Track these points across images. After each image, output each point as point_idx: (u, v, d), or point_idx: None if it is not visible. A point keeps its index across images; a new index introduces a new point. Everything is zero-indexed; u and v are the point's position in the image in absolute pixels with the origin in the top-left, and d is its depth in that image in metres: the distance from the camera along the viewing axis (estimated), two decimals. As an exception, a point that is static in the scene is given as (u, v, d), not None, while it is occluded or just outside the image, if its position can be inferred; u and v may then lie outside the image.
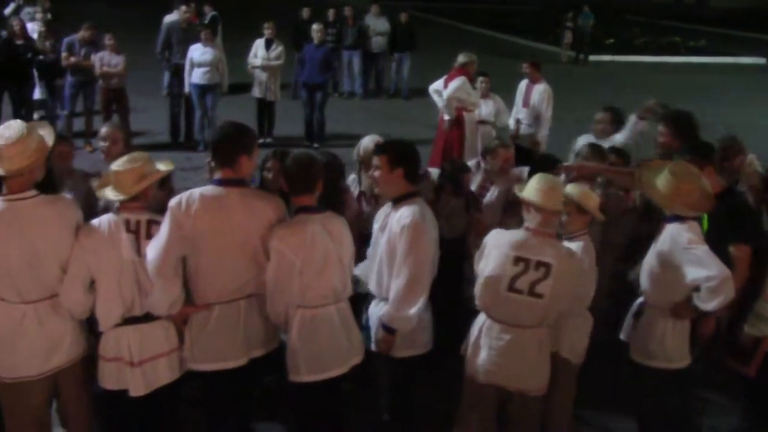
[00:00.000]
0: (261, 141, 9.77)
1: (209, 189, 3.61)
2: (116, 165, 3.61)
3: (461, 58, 8.94)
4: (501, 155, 5.60)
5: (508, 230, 3.94)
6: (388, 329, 3.88)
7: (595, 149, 5.28)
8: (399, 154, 3.90)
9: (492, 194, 5.58)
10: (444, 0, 37.77)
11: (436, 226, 3.97)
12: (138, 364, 3.59)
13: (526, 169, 5.47)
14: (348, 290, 3.85)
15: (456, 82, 8.67)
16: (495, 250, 3.82)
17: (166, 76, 11.20)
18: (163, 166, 3.76)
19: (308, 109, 11.53)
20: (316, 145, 11.03)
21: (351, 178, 5.26)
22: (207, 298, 3.65)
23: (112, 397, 3.68)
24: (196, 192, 3.59)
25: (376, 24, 15.00)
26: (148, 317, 3.61)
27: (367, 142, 5.14)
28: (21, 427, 3.66)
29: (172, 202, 3.53)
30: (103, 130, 4.97)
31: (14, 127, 3.47)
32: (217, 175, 3.64)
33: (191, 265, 3.62)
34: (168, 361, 3.68)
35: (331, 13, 14.44)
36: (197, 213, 3.50)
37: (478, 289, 3.90)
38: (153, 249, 3.51)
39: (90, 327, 3.77)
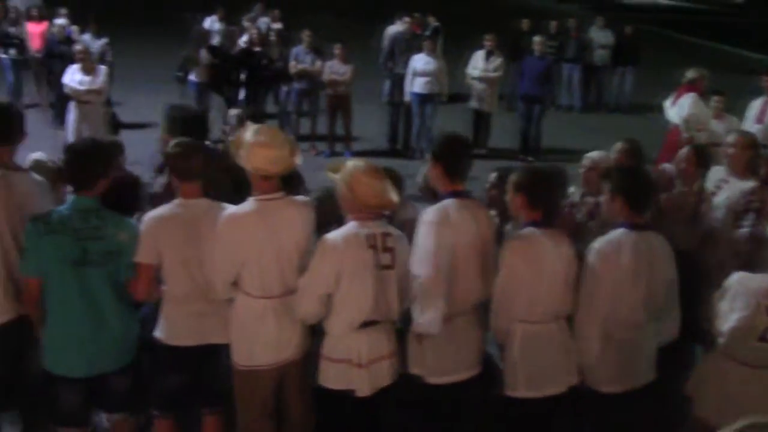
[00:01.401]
0: (475, 152, 9.76)
1: (448, 201, 3.71)
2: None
3: (690, 74, 8.44)
4: None
5: (754, 274, 3.62)
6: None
7: None
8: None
9: None
10: (670, 11, 35.90)
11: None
12: (365, 365, 3.68)
13: None
14: (568, 308, 3.74)
15: (688, 99, 8.15)
16: (742, 297, 3.51)
17: (387, 85, 11.53)
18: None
19: (525, 121, 11.39)
20: (530, 158, 10.87)
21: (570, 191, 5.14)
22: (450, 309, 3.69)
23: (332, 396, 3.76)
24: (449, 203, 3.68)
25: (600, 36, 14.53)
26: (375, 321, 3.68)
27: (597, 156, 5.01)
28: (251, 413, 3.87)
29: (431, 215, 3.63)
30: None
31: (275, 132, 3.72)
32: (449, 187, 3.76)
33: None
34: (390, 363, 3.76)
35: (553, 26, 14.19)
36: (455, 222, 3.60)
37: (723, 334, 3.61)
38: (422, 265, 3.60)
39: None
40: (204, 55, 10.96)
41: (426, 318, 3.60)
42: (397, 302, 3.71)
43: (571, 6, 35.65)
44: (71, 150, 3.80)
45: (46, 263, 3.59)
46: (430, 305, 3.58)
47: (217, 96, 10.98)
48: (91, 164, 3.65)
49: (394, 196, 3.65)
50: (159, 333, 3.90)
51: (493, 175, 4.83)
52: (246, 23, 13.34)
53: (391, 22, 13.49)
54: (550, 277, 3.62)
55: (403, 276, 3.67)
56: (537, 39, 11.49)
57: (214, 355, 3.89)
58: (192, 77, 11.19)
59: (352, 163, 3.69)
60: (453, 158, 3.78)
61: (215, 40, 12.85)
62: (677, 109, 8.32)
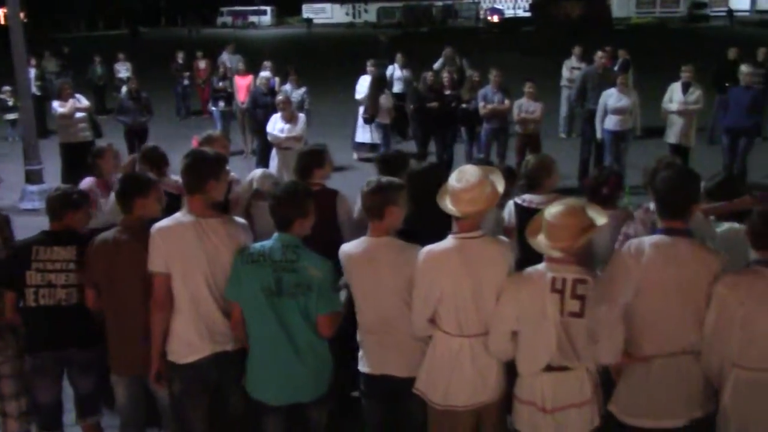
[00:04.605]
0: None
1: (655, 239, 3.52)
2: (552, 216, 3.57)
3: None
4: None
5: None
6: None
7: None
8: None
9: None
10: None
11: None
12: (550, 411, 3.57)
13: None
14: None
15: None
16: None
17: (577, 121, 11.34)
18: (598, 217, 3.64)
19: (729, 155, 10.65)
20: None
21: None
22: (646, 350, 3.52)
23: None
24: (646, 240, 3.52)
25: (812, 62, 13.39)
26: (565, 367, 3.56)
27: None
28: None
29: (624, 247, 3.51)
30: None
31: (472, 172, 3.71)
32: (663, 225, 3.55)
33: (632, 313, 3.53)
34: (579, 412, 3.58)
35: (761, 52, 13.26)
36: (648, 261, 3.43)
37: None
38: (600, 296, 3.47)
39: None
40: (385, 98, 11.41)
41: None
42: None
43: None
44: (273, 195, 4.03)
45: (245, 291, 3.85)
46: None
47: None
48: (287, 207, 3.86)
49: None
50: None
51: None
52: (437, 66, 13.74)
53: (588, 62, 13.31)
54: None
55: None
56: (744, 69, 10.78)
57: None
58: (379, 120, 11.67)
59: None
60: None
61: (397, 87, 13.38)
62: None
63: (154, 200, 4.24)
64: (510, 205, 4.94)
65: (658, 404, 3.52)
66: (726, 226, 4.29)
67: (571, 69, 14.46)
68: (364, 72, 13.19)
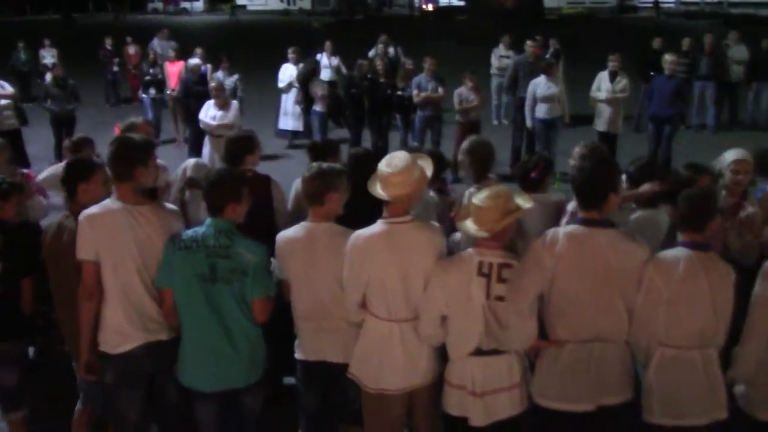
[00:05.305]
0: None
1: (570, 228, 3.59)
2: (478, 199, 3.64)
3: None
4: None
5: None
6: None
7: None
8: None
9: None
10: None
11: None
12: (480, 395, 3.63)
13: None
14: (720, 339, 3.53)
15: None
16: None
17: (510, 109, 11.54)
18: (523, 202, 3.70)
19: (654, 142, 10.99)
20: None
21: None
22: (560, 335, 3.60)
23: (454, 422, 3.75)
24: (561, 230, 3.59)
25: (735, 52, 13.92)
26: (494, 351, 3.63)
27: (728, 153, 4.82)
28: (378, 435, 3.90)
29: (540, 237, 3.57)
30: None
31: (401, 157, 3.74)
32: (581, 215, 3.60)
33: (548, 300, 3.61)
34: (509, 395, 3.66)
35: (686, 42, 13.70)
36: (561, 250, 3.49)
37: None
38: (513, 287, 3.54)
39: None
40: (320, 86, 11.41)
41: None
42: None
43: (701, 22, 34.33)
44: (206, 179, 4.01)
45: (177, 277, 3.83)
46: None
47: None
48: (220, 192, 3.85)
49: None
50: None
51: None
52: (372, 53, 13.76)
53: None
54: (690, 298, 3.46)
55: None
56: (667, 58, 11.11)
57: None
58: (316, 108, 11.65)
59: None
60: None
61: (326, 74, 13.37)
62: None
63: (97, 185, 4.17)
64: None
65: (567, 388, 3.58)
66: (639, 213, 4.40)
67: (500, 57, 14.66)
68: (296, 60, 13.13)
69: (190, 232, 3.86)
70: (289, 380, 4.31)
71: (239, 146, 5.03)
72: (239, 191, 3.87)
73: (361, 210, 3.86)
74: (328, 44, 14.64)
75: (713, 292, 3.43)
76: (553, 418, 3.64)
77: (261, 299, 3.82)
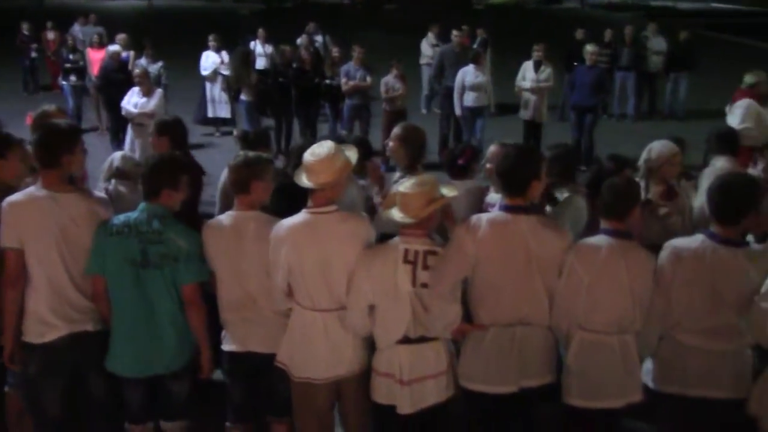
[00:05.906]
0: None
1: (492, 215, 3.65)
2: (404, 187, 3.66)
3: (748, 79, 8.18)
4: None
5: None
6: None
7: None
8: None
9: None
10: (725, 15, 35.09)
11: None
12: (407, 383, 3.66)
13: None
14: (638, 325, 3.64)
15: (739, 109, 7.87)
16: None
17: (437, 98, 11.64)
18: (448, 191, 3.75)
19: (577, 131, 11.27)
20: (583, 168, 10.72)
21: None
22: (483, 319, 3.67)
23: (382, 410, 3.78)
24: (484, 217, 3.64)
25: (653, 43, 14.36)
26: (422, 339, 3.67)
27: (659, 147, 4.93)
28: (305, 423, 3.91)
29: (463, 223, 3.61)
30: None
31: (325, 145, 3.74)
32: (506, 201, 3.66)
33: (471, 285, 3.66)
34: (436, 382, 3.71)
35: (608, 34, 14.05)
36: (483, 236, 3.54)
37: None
38: (435, 271, 3.58)
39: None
40: (251, 75, 11.29)
41: None
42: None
43: (624, 14, 35.22)
44: (147, 162, 3.98)
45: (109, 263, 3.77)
46: None
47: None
48: (158, 175, 3.83)
49: None
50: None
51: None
52: (300, 42, 13.64)
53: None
54: (607, 286, 3.57)
55: None
56: (589, 48, 11.37)
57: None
58: (243, 97, 11.50)
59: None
60: None
61: (260, 62, 13.20)
62: (737, 119, 8.07)
63: (14, 161, 4.10)
64: None
65: (490, 371, 3.66)
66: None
67: (432, 46, 14.74)
68: (217, 48, 12.90)
69: (122, 217, 3.81)
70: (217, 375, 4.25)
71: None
72: (177, 178, 3.85)
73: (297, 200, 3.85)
74: (261, 32, 14.42)
75: (632, 279, 3.54)
76: (478, 400, 3.72)
77: (192, 284, 3.81)
